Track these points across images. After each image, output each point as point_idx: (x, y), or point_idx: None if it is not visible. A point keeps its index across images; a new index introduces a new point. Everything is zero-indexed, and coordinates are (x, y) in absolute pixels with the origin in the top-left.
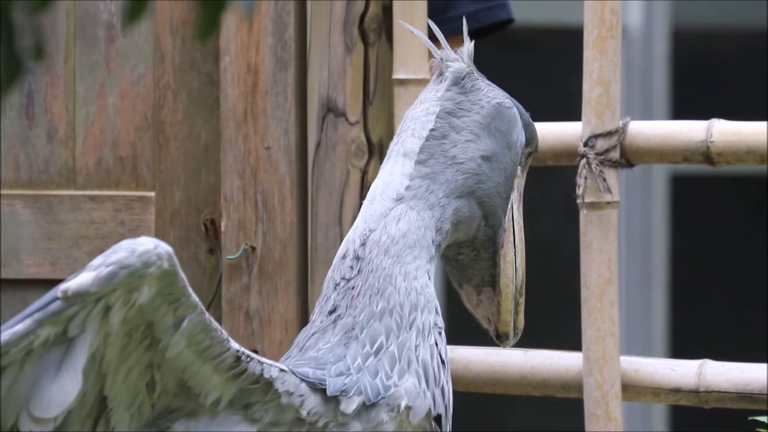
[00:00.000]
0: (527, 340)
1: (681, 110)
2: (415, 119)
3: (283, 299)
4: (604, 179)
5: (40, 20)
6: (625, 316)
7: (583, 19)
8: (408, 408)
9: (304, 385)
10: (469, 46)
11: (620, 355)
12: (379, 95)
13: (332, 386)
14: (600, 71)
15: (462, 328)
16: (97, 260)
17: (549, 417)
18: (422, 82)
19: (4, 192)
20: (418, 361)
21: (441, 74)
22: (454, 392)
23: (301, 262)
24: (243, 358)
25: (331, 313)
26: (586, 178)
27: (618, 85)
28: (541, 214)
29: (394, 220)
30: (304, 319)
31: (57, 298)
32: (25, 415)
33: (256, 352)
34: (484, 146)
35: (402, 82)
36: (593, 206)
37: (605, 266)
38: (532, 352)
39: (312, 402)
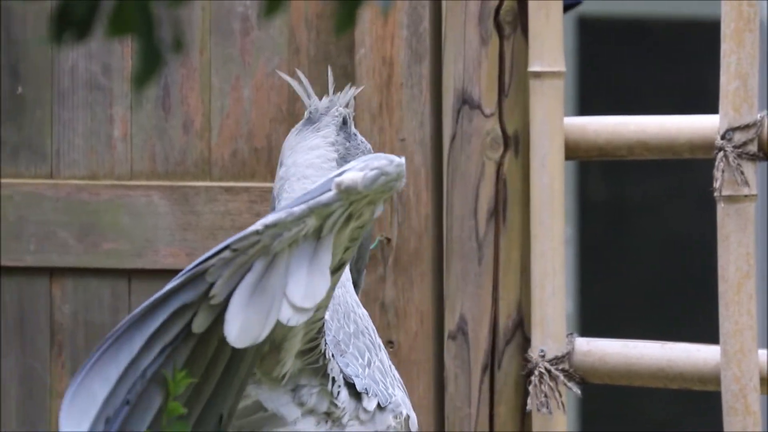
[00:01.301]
0: (665, 333)
1: None
2: (314, 166)
3: (418, 291)
4: (742, 172)
5: (179, 13)
6: (763, 310)
7: (720, 12)
8: (407, 417)
9: (342, 375)
10: (348, 91)
11: (758, 349)
12: (515, 87)
13: (358, 384)
14: (737, 64)
15: (597, 320)
16: (359, 163)
17: (684, 410)
18: (557, 75)
19: (141, 183)
20: (396, 378)
21: (312, 121)
22: (592, 384)
23: (436, 254)
24: (323, 331)
25: None
26: (723, 171)
27: (755, 78)
28: (678, 207)
29: None
30: (439, 311)
31: (329, 190)
32: (286, 304)
33: (391, 343)
34: None
35: (537, 75)
36: (730, 199)
37: (743, 260)
38: (670, 344)
39: (344, 395)
